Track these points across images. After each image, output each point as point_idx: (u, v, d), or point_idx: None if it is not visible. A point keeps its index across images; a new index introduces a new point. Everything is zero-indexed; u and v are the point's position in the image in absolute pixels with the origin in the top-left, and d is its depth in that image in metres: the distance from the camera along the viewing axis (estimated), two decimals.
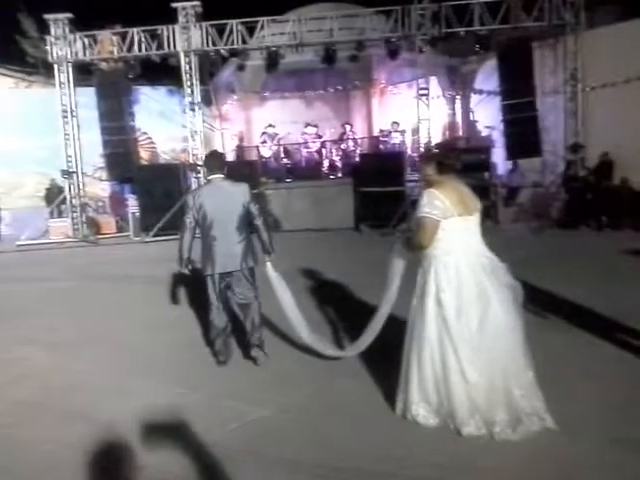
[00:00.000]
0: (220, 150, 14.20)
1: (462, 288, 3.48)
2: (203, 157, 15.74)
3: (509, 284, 3.54)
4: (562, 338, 5.12)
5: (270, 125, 17.86)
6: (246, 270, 4.87)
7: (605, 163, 13.88)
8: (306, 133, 17.78)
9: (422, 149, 15.58)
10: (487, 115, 16.87)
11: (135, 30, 15.45)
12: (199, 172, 15.62)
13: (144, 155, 18.49)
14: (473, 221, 3.61)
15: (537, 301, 5.65)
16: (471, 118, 18.59)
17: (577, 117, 14.68)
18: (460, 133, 18.73)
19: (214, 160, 5.05)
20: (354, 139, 18.08)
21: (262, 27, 15.29)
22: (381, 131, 18.21)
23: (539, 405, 3.47)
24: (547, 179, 15.26)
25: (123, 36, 15.55)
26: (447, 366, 3.45)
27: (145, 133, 18.65)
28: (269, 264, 4.93)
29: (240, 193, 4.84)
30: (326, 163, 17.52)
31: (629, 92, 13.81)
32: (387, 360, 4.18)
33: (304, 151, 17.69)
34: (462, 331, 3.43)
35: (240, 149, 18.76)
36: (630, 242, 10.13)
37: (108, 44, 15.57)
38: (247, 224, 4.88)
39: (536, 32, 15.05)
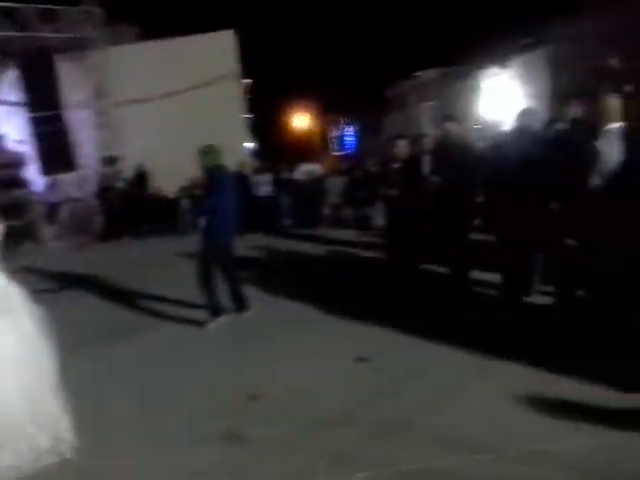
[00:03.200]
0: None
1: None
2: None
3: (28, 310, 3.19)
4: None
5: None
6: None
7: (141, 174, 14.50)
8: None
9: None
10: (17, 128, 15.63)
11: None
12: None
13: None
14: None
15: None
16: None
17: (109, 131, 14.89)
18: None
19: None
20: None
21: None
22: None
23: (63, 436, 3.16)
24: (86, 193, 15.09)
25: None
26: None
27: None
28: None
29: None
30: None
31: (157, 109, 14.76)
32: None
33: None
34: None
35: None
36: (177, 245, 9.92)
37: None
38: None
39: (60, 44, 14.63)
